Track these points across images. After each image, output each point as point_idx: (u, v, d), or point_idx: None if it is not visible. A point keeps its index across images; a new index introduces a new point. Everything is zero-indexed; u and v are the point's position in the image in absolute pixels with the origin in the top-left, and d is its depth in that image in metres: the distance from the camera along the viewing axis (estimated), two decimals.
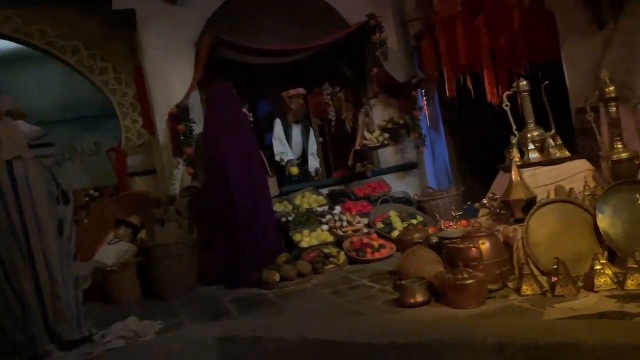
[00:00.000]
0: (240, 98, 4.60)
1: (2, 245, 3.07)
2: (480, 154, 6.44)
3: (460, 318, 2.65)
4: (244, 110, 5.20)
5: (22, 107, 3.38)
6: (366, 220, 4.88)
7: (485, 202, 3.50)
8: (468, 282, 2.73)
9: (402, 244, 3.63)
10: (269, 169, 4.83)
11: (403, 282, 3.02)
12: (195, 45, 5.34)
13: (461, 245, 2.97)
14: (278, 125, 5.66)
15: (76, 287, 3.26)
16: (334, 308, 3.23)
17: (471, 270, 2.79)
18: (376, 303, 3.15)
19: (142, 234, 5.14)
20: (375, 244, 4.44)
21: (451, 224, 3.80)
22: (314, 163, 5.82)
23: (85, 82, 7.05)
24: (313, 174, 5.78)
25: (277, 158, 5.53)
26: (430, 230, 4.03)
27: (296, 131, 5.75)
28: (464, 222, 3.93)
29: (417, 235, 3.54)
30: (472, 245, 2.92)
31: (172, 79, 5.26)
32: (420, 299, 2.92)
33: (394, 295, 3.20)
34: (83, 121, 8.12)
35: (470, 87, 5.87)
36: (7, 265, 3.07)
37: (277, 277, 4.02)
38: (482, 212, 3.58)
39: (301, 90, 5.66)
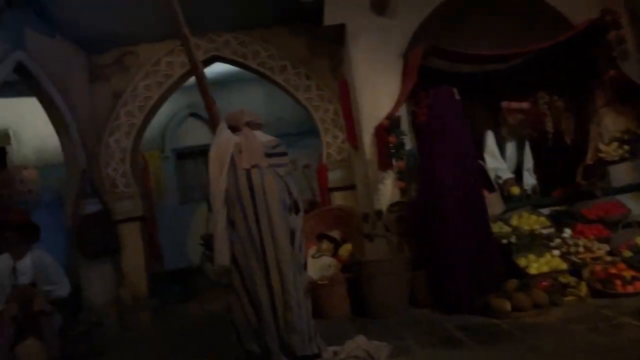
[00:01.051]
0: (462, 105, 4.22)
1: (240, 252, 3.05)
2: None
3: None
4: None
5: (259, 117, 3.46)
6: (606, 247, 4.14)
7: None
8: None
9: None
10: (493, 184, 4.37)
11: None
12: (402, 56, 5.17)
13: None
14: (490, 138, 5.18)
15: (306, 297, 3.17)
16: (602, 351, 2.66)
17: None
18: None
19: (342, 250, 5.06)
20: (626, 274, 3.71)
21: None
22: (529, 180, 5.20)
23: (284, 102, 7.38)
24: (529, 191, 5.16)
25: (491, 174, 5.04)
26: None
27: (510, 145, 5.23)
28: None
29: None
30: None
31: (379, 92, 5.14)
32: None
33: None
34: (282, 139, 8.48)
35: None
36: (245, 272, 3.04)
37: (508, 305, 3.55)
38: None
39: (525, 105, 5.11)
